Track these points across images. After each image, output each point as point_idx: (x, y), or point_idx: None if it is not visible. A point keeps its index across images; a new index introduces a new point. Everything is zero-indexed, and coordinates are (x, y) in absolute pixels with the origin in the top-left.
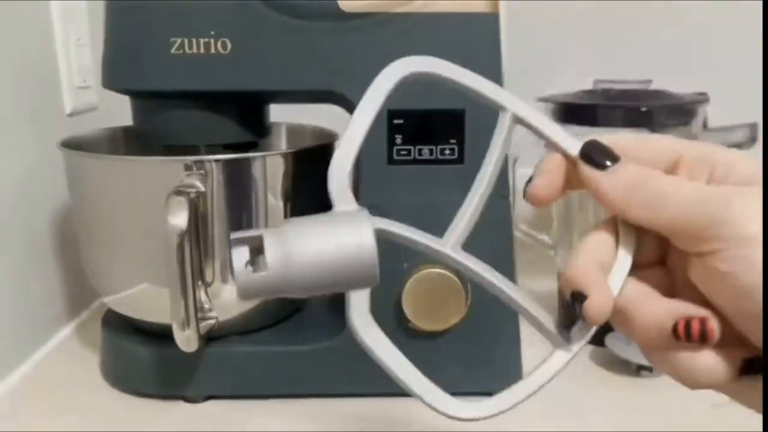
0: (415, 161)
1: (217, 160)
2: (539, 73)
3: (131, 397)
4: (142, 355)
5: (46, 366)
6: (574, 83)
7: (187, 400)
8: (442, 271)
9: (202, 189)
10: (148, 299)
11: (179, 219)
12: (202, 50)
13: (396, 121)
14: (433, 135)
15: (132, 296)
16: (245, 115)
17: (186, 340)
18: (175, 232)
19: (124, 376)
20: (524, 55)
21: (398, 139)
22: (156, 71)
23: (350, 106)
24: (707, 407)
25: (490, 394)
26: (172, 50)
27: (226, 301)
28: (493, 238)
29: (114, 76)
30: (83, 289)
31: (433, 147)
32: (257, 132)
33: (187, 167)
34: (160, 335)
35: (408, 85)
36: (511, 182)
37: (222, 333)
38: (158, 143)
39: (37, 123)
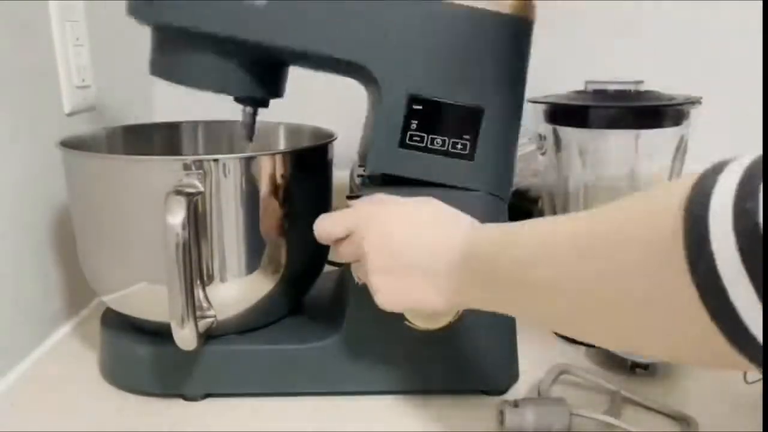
0: (426, 149)
1: (215, 160)
2: (530, 74)
3: (130, 395)
4: (141, 354)
5: (45, 364)
6: (566, 84)
7: (186, 398)
8: None
9: (201, 188)
10: (147, 298)
11: (178, 218)
12: None
13: (415, 107)
14: (448, 127)
15: (131, 295)
16: (265, 70)
17: (185, 338)
18: (174, 231)
19: (123, 375)
20: None
21: (414, 124)
22: (187, 8)
23: (372, 83)
24: (701, 404)
25: (486, 392)
26: None
27: (224, 299)
28: None
29: (140, 6)
30: (82, 288)
31: (446, 139)
32: (271, 90)
33: (186, 167)
34: (159, 334)
35: (434, 74)
36: None
37: (221, 332)
38: (171, 81)
39: (36, 122)
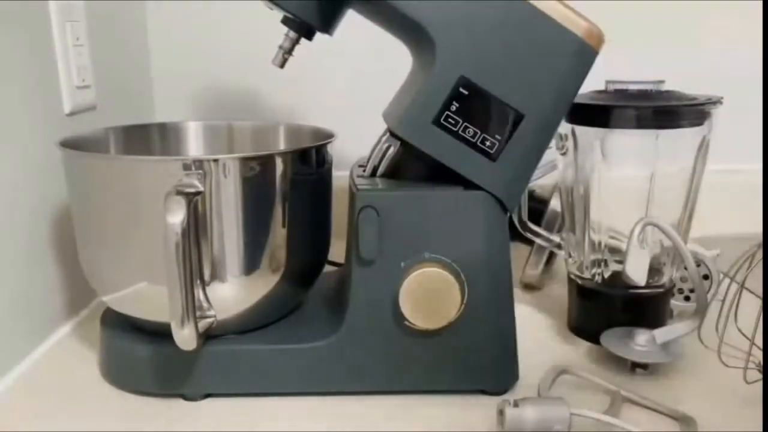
0: (456, 135)
1: (215, 160)
2: None
3: (130, 395)
4: (141, 354)
5: (44, 365)
6: (586, 83)
7: (186, 398)
8: (440, 270)
9: (201, 188)
10: (147, 298)
11: (178, 218)
12: None
13: (462, 90)
14: (485, 121)
15: (131, 295)
16: (324, 1)
17: (185, 338)
18: (174, 231)
19: (123, 375)
20: None
21: (454, 106)
22: None
23: (428, 51)
24: (701, 404)
25: (486, 392)
26: None
27: (224, 299)
28: (491, 244)
29: None
30: (82, 288)
31: (479, 132)
32: (323, 23)
33: (186, 167)
34: (159, 334)
35: (491, 65)
36: None
37: (221, 332)
38: None
39: (36, 123)
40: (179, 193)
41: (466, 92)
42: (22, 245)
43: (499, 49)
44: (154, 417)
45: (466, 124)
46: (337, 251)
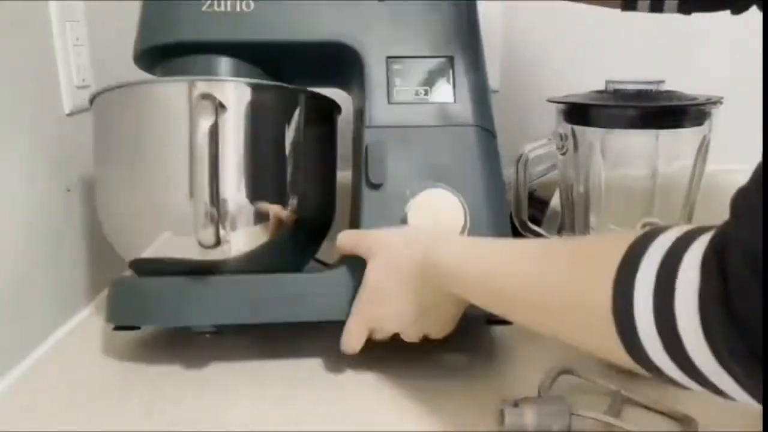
0: (412, 101)
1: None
2: (550, 74)
3: (132, 394)
4: (152, 287)
5: (45, 364)
6: (586, 83)
7: (194, 331)
8: (444, 191)
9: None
10: (172, 241)
11: (206, 121)
12: (228, 8)
13: (395, 66)
14: (427, 78)
15: (154, 231)
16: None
17: (206, 235)
18: (202, 131)
19: (132, 312)
20: (535, 55)
21: (397, 81)
22: (188, 26)
23: (358, 61)
24: (701, 404)
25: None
26: (203, 8)
27: (237, 232)
28: (486, 173)
29: (151, 33)
30: (83, 288)
31: (428, 88)
32: None
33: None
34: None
35: (404, 36)
36: (521, 181)
37: (233, 270)
38: None
39: (36, 123)
40: (207, 97)
41: (399, 67)
42: (22, 244)
43: (402, 22)
44: (154, 417)
45: (415, 89)
46: (329, 253)
